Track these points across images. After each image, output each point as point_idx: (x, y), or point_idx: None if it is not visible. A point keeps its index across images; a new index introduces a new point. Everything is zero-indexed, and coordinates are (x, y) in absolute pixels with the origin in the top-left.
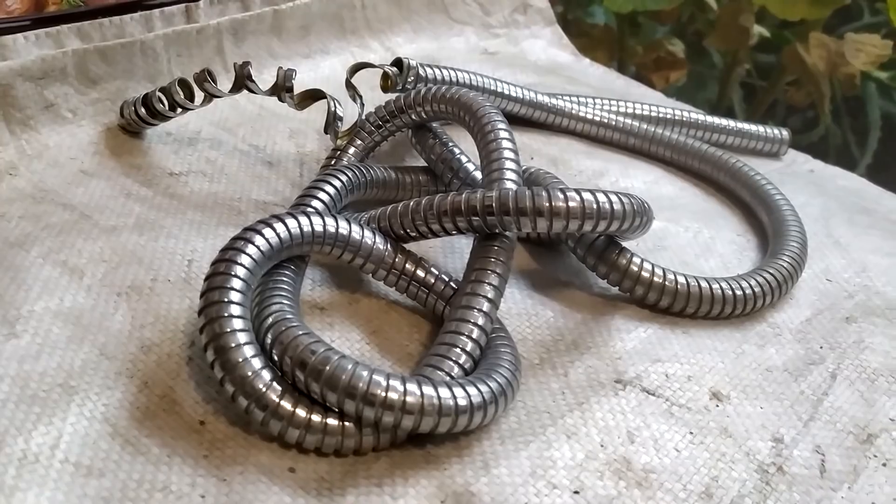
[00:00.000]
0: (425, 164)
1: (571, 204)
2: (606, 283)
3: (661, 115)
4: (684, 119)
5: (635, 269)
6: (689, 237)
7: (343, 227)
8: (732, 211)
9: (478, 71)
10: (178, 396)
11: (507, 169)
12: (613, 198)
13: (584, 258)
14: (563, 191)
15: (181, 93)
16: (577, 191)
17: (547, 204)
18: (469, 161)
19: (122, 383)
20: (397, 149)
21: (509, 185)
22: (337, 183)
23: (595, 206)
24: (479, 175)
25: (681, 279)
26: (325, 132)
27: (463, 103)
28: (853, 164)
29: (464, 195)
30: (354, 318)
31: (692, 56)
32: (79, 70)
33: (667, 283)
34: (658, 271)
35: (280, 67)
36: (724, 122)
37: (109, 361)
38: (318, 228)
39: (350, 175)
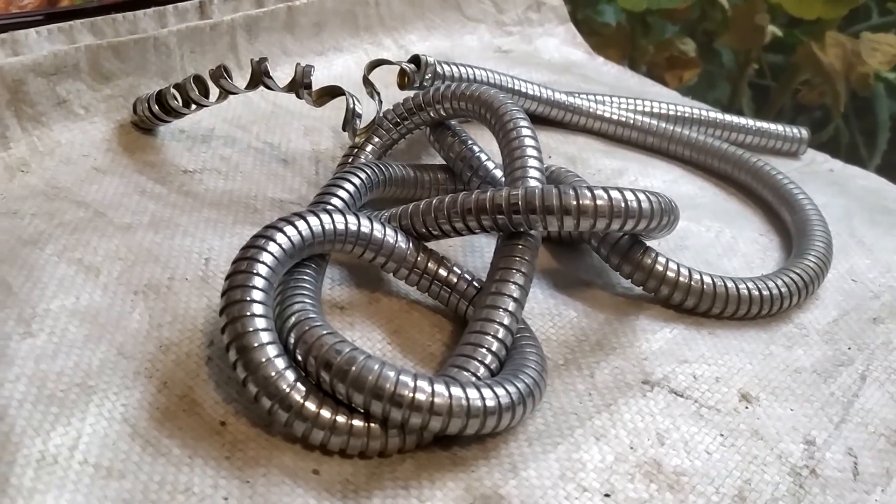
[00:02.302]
0: (443, 163)
1: (599, 202)
2: (630, 283)
3: (679, 114)
4: (702, 118)
5: (660, 268)
6: (711, 237)
7: (364, 225)
8: (754, 210)
9: (494, 69)
10: (198, 397)
11: (531, 167)
12: (641, 196)
13: (608, 257)
14: (590, 189)
15: (196, 89)
16: (605, 189)
17: (574, 202)
18: (489, 159)
19: (141, 383)
20: (413, 146)
21: (533, 182)
22: (356, 181)
23: (623, 204)
24: (498, 173)
25: (706, 279)
26: (343, 129)
27: (484, 100)
28: (862, 165)
29: (488, 193)
30: (375, 317)
31: (702, 55)
32: (91, 66)
33: (692, 282)
34: (683, 271)
35: (298, 64)
36: (742, 120)
37: (127, 361)
38: (340, 226)
39: (368, 173)
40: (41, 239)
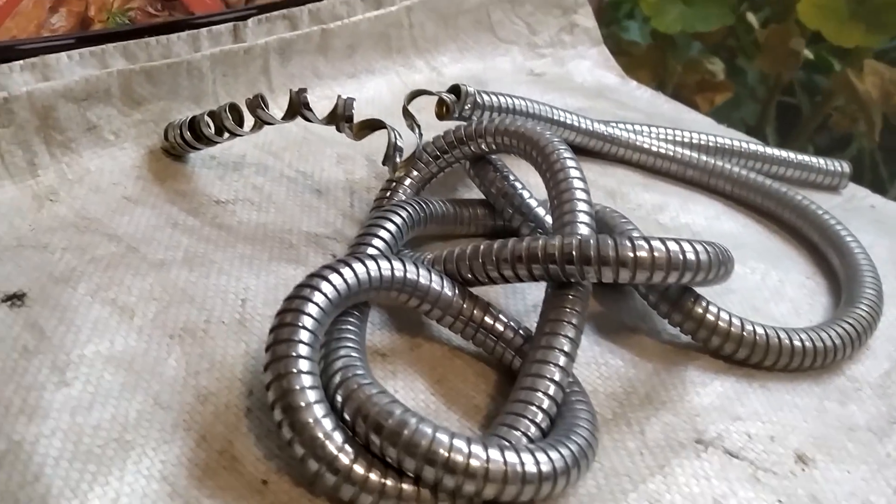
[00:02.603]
0: (482, 197)
1: (656, 254)
2: (677, 330)
3: (718, 145)
4: (742, 150)
5: (711, 318)
6: (757, 279)
7: (411, 271)
8: (798, 251)
9: (527, 94)
10: (238, 452)
11: (580, 211)
12: (699, 247)
13: (657, 305)
14: (646, 240)
15: (230, 118)
16: (662, 241)
17: (631, 254)
18: (531, 196)
19: (179, 437)
20: (449, 177)
21: (583, 229)
22: (397, 220)
23: (680, 256)
24: (542, 212)
25: (759, 329)
26: (384, 164)
27: (528, 137)
28: (883, 187)
29: (540, 241)
30: (417, 365)
31: (727, 72)
32: (123, 91)
33: (745, 333)
34: (736, 321)
35: (339, 96)
36: (783, 153)
37: (165, 412)
38: (387, 273)
39: (410, 211)
40: (73, 276)
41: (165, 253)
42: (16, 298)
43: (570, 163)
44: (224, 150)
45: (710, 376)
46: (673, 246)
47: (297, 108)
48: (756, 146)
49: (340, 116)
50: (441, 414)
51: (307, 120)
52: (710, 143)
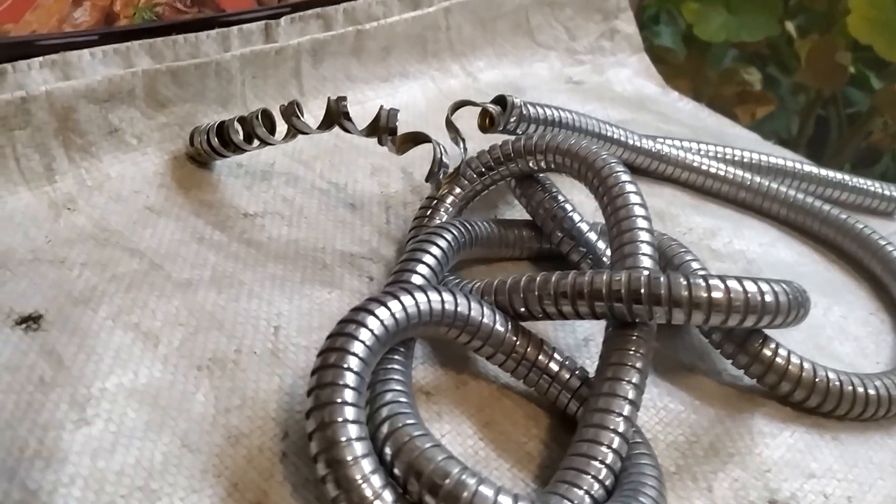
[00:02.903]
0: (527, 218)
1: (733, 296)
2: (739, 371)
3: (770, 165)
4: (796, 171)
5: (781, 361)
6: (819, 315)
7: (462, 305)
8: (859, 283)
9: (567, 104)
10: (273, 502)
11: (642, 242)
12: (777, 289)
13: (721, 344)
14: (722, 280)
15: (262, 125)
16: (739, 281)
17: (704, 295)
18: (582, 220)
19: (209, 484)
20: (490, 195)
21: (646, 262)
22: (443, 244)
23: (758, 299)
24: (593, 236)
25: (831, 375)
26: (427, 181)
27: (583, 157)
28: None
29: (604, 276)
30: (464, 405)
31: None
32: (148, 92)
33: (817, 380)
34: (807, 365)
35: (381, 107)
36: (839, 176)
37: (193, 455)
38: (437, 306)
39: (455, 233)
40: (93, 297)
41: (191, 272)
42: (31, 321)
43: (629, 187)
44: (252, 158)
45: (779, 425)
46: (750, 287)
47: (336, 117)
48: (810, 167)
49: (384, 129)
50: (491, 462)
51: (346, 131)
52: (763, 163)
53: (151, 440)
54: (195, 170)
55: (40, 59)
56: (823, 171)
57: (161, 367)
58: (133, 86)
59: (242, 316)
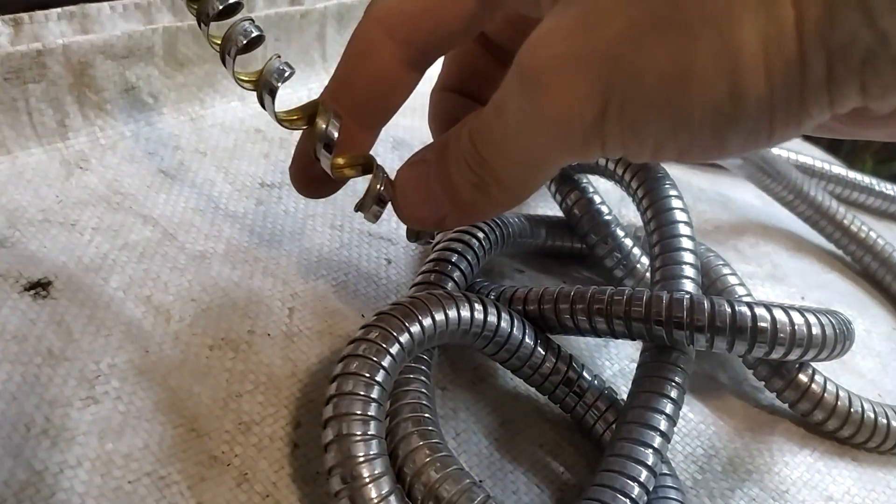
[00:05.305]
0: (560, 215)
1: (779, 328)
2: (759, 383)
3: (799, 164)
4: (823, 171)
5: (817, 389)
6: None
7: (491, 315)
8: (885, 295)
9: None
10: (283, 496)
11: (686, 263)
12: (824, 320)
13: (755, 366)
14: (768, 309)
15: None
16: (786, 311)
17: (749, 324)
18: (619, 225)
19: (218, 472)
20: None
21: (688, 285)
22: (475, 243)
23: (805, 332)
24: (629, 242)
25: (867, 407)
26: (357, 210)
27: (626, 162)
28: None
29: (644, 297)
30: (480, 403)
31: None
32: (167, 50)
33: (852, 411)
34: (843, 394)
35: (274, 56)
36: (865, 180)
37: (202, 440)
38: (465, 316)
39: (487, 232)
40: (104, 265)
41: (205, 244)
42: (41, 287)
43: (675, 202)
44: (270, 124)
45: (798, 445)
46: (798, 319)
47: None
48: (839, 169)
49: (265, 83)
50: (506, 465)
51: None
52: (791, 161)
53: (160, 423)
54: (211, 133)
55: (58, 10)
56: (851, 174)
57: (171, 343)
58: (153, 43)
59: (256, 295)
